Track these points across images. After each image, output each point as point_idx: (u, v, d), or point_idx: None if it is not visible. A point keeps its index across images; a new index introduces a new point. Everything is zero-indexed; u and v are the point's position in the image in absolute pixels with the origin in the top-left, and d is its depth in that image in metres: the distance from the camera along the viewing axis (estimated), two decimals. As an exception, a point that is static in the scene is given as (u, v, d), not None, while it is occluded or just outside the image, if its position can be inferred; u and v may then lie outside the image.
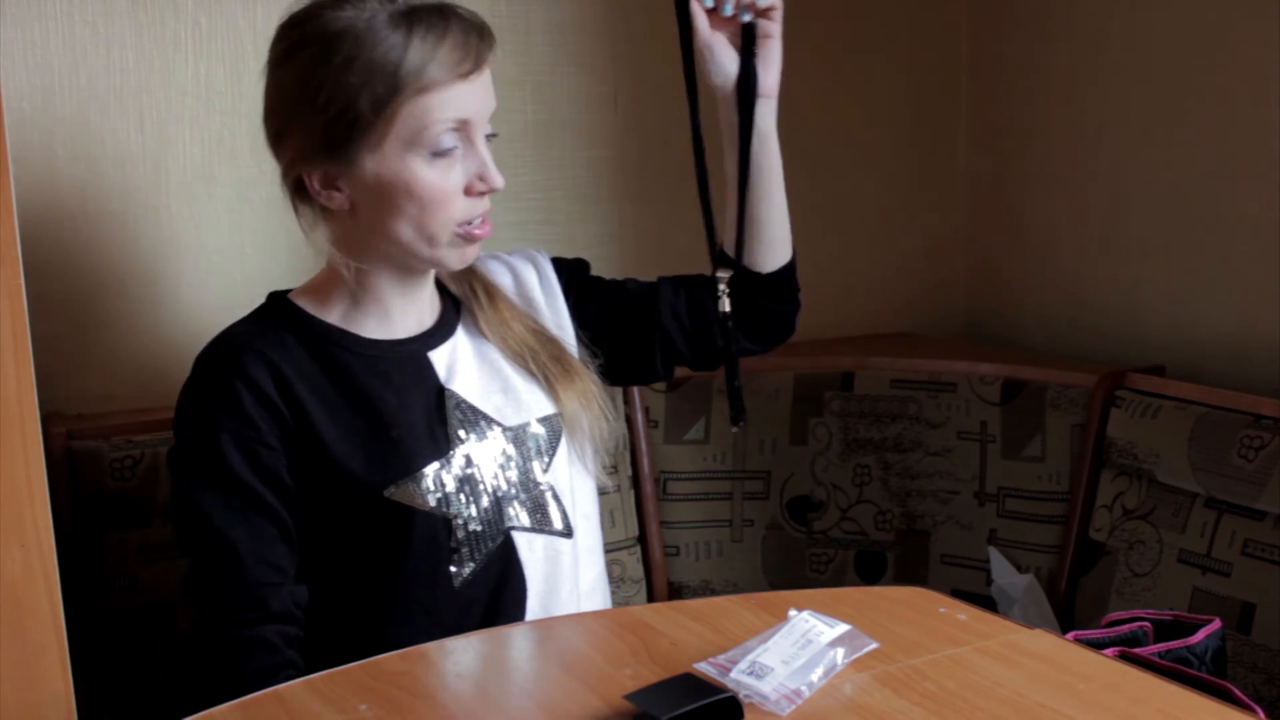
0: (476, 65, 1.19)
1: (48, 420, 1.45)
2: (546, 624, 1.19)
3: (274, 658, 1.15)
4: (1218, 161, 1.74)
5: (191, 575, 1.20)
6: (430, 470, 1.21)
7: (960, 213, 2.16)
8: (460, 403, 1.26)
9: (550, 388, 1.31)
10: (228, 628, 1.16)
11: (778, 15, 1.32)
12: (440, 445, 1.23)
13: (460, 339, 1.31)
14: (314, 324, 1.25)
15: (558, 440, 1.30)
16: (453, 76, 1.17)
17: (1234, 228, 1.73)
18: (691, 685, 0.91)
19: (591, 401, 1.33)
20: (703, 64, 1.32)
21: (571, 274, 1.42)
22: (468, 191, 1.21)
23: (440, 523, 1.21)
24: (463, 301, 1.34)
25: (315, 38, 1.17)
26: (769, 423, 1.82)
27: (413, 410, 1.24)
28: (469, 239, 1.22)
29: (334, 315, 1.26)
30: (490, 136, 1.24)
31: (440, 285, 1.34)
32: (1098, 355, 1.90)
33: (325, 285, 1.27)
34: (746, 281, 1.36)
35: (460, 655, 1.06)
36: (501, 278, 1.37)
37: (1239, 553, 1.49)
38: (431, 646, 1.06)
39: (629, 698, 0.91)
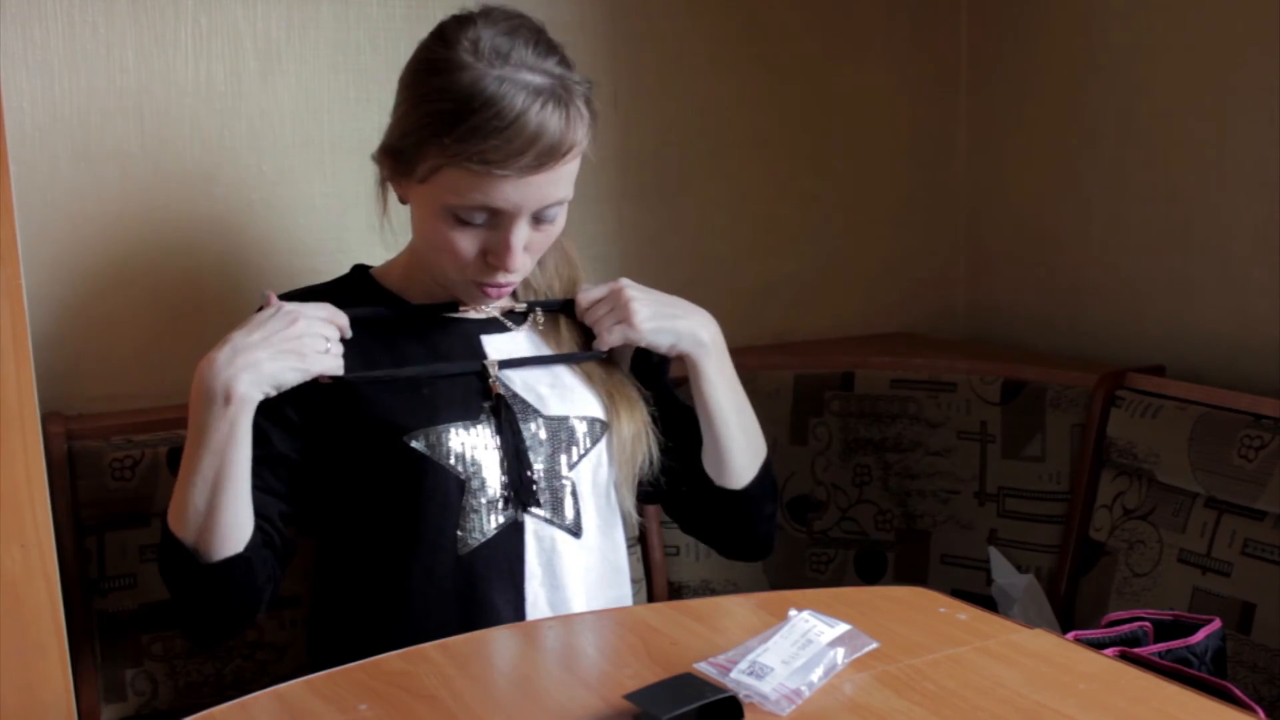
0: (526, 170, 1.18)
1: (48, 420, 1.46)
2: (547, 623, 1.19)
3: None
4: (1217, 161, 1.74)
5: None
6: (454, 429, 1.25)
7: (960, 213, 2.16)
8: (499, 381, 1.30)
9: (611, 404, 1.34)
10: None
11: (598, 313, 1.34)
12: (471, 411, 1.27)
13: (520, 335, 1.36)
14: (375, 289, 1.35)
15: (594, 443, 1.32)
16: (491, 171, 1.17)
17: (1234, 228, 1.73)
18: (691, 685, 0.91)
19: (642, 436, 1.34)
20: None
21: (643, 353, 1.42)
22: (483, 257, 1.24)
23: (454, 482, 1.25)
24: (540, 308, 1.38)
25: (426, 59, 1.22)
26: (769, 423, 1.81)
27: (449, 376, 1.29)
28: (485, 294, 1.28)
29: (396, 285, 1.35)
30: (544, 222, 1.24)
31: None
32: (1098, 355, 1.90)
33: (401, 259, 1.38)
34: (721, 502, 1.39)
35: (460, 655, 1.06)
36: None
37: (1239, 553, 1.49)
38: (431, 646, 1.06)
39: (629, 698, 0.91)
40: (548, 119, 1.17)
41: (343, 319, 1.25)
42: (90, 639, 1.45)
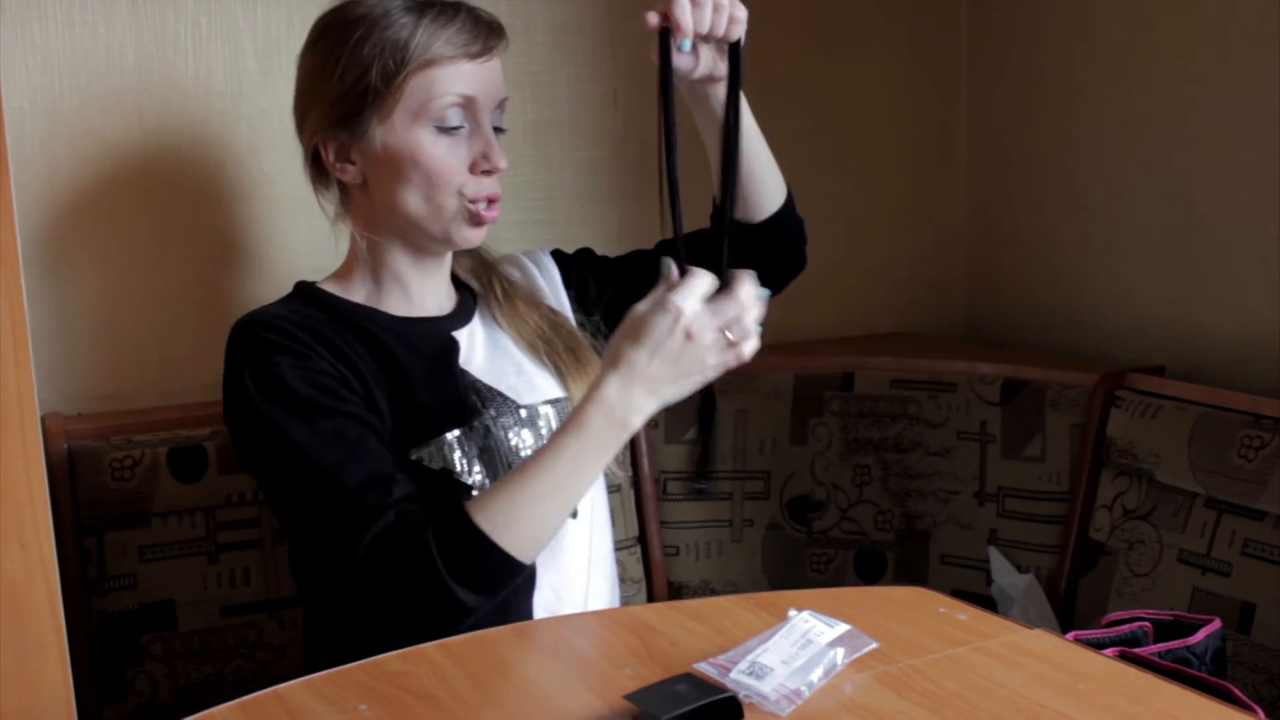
0: (484, 50, 1.26)
1: (48, 420, 1.46)
2: (546, 624, 1.19)
3: (415, 517, 1.16)
4: (1217, 161, 1.74)
5: (302, 516, 1.20)
6: (452, 437, 1.26)
7: (960, 213, 2.16)
8: (474, 382, 1.31)
9: (561, 377, 1.35)
10: (361, 536, 1.14)
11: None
12: (463, 415, 1.27)
13: (476, 325, 1.36)
14: (341, 305, 1.30)
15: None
16: (459, 54, 1.24)
17: (1234, 228, 1.73)
18: (691, 685, 0.91)
19: None
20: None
21: (572, 265, 1.47)
22: (473, 169, 1.26)
23: (461, 489, 1.25)
24: (480, 295, 1.39)
25: (336, 24, 1.26)
26: (769, 422, 1.82)
27: (438, 382, 1.28)
28: (476, 219, 1.27)
29: (359, 296, 1.32)
30: (500, 131, 1.29)
31: (457, 280, 1.39)
32: (1098, 355, 1.90)
33: (347, 270, 1.34)
34: (751, 236, 1.39)
35: (460, 655, 1.06)
36: (513, 274, 1.43)
37: (1239, 553, 1.49)
38: (431, 647, 1.06)
39: (629, 698, 0.91)
40: (476, 6, 1.29)
41: (757, 308, 1.14)
42: (90, 639, 1.45)
